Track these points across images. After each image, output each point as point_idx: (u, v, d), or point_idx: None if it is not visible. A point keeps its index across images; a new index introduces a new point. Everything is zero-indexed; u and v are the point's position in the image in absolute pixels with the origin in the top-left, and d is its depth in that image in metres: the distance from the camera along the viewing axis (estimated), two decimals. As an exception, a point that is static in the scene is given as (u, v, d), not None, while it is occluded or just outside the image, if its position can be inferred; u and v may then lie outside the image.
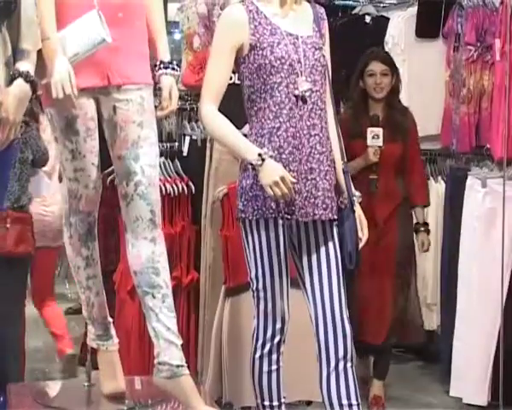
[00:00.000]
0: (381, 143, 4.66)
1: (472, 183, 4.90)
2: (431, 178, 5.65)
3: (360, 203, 3.25)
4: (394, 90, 4.85)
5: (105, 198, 3.32)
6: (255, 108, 3.16)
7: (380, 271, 4.73)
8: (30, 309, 4.97)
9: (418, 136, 4.95)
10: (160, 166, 4.35)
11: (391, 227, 4.77)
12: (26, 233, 4.37)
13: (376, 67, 4.82)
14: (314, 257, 3.19)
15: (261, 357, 3.25)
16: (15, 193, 4.36)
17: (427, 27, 5.62)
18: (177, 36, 6.04)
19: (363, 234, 3.24)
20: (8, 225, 4.28)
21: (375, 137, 4.66)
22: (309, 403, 4.35)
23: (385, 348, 4.85)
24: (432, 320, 5.63)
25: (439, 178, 5.73)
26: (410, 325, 4.88)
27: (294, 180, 3.07)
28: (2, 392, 3.57)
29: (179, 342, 3.15)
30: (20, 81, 2.70)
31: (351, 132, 4.64)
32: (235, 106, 3.28)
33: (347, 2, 6.21)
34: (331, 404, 3.15)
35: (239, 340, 4.11)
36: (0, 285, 4.22)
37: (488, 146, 5.08)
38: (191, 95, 4.99)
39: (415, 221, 4.92)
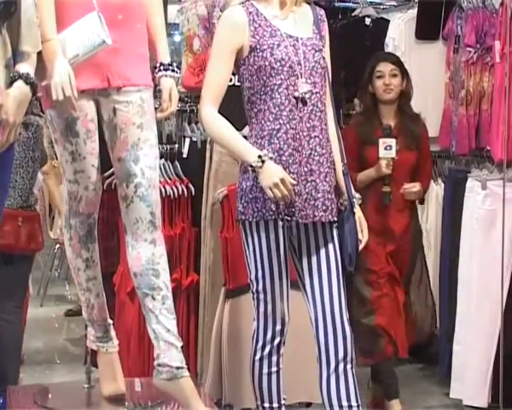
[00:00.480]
0: (393, 155, 4.46)
1: (472, 185, 4.88)
2: (431, 180, 5.63)
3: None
4: (405, 95, 4.69)
5: (105, 200, 3.32)
6: (255, 110, 3.16)
7: (393, 284, 4.67)
8: (29, 310, 4.96)
9: (429, 143, 4.84)
10: (160, 168, 4.34)
11: (405, 241, 4.65)
12: (36, 231, 4.41)
13: (385, 67, 4.65)
14: (314, 259, 3.19)
15: (261, 359, 3.25)
16: (26, 191, 4.36)
17: (427, 29, 5.60)
18: (177, 38, 6.03)
19: (363, 236, 3.25)
20: (19, 224, 4.30)
21: (387, 148, 4.46)
22: (309, 405, 4.35)
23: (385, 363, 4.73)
24: (431, 322, 5.61)
25: (439, 180, 5.72)
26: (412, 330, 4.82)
27: (294, 182, 3.08)
28: (2, 393, 3.57)
29: (179, 343, 3.15)
30: (20, 83, 2.69)
31: (362, 139, 4.55)
32: (235, 108, 3.29)
33: (347, 4, 6.22)
34: (331, 406, 3.15)
35: (239, 342, 4.11)
36: (6, 282, 4.24)
37: (488, 148, 5.07)
38: (191, 97, 4.99)
39: None
